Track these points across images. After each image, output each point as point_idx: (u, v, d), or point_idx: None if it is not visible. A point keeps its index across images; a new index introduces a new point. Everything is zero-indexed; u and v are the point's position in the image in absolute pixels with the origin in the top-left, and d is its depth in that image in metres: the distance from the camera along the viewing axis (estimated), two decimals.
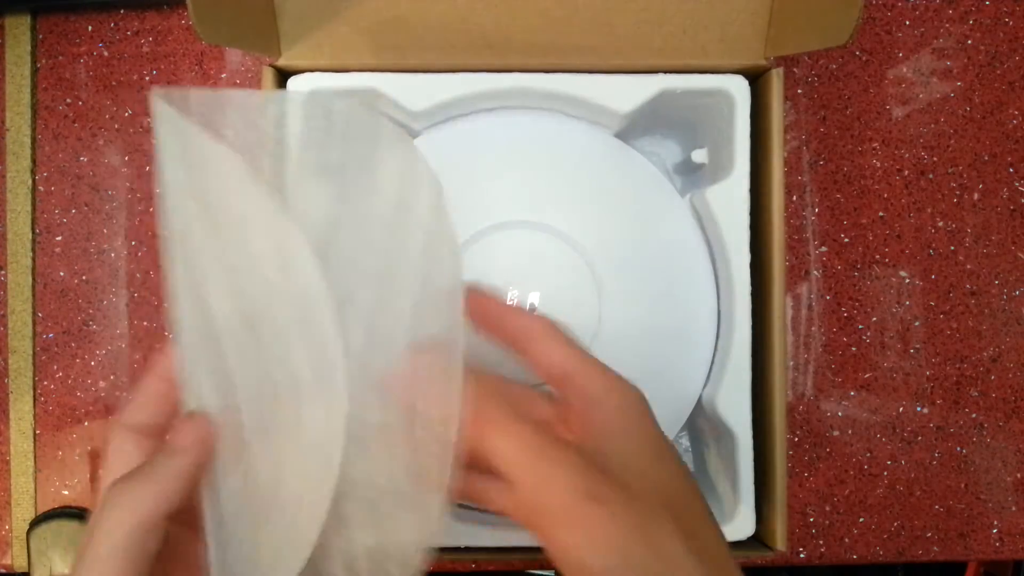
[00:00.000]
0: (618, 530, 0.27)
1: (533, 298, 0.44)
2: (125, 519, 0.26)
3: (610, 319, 0.45)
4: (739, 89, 0.46)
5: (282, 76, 0.45)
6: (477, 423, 0.29)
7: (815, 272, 0.55)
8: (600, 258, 0.45)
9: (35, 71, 0.56)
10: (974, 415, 0.55)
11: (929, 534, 0.55)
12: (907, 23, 0.56)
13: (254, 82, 0.56)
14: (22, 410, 0.55)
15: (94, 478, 0.55)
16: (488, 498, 0.31)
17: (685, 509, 0.29)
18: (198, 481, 0.29)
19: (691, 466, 0.52)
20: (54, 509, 0.55)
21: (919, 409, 0.55)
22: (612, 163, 0.46)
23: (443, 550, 0.45)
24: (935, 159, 0.56)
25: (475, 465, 0.30)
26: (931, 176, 0.56)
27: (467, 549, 0.45)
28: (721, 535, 0.30)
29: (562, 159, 0.47)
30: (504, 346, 0.32)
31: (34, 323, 0.55)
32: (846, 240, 0.55)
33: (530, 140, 0.47)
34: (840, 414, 0.55)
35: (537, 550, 0.44)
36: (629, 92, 0.45)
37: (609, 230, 0.45)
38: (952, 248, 0.55)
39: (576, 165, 0.47)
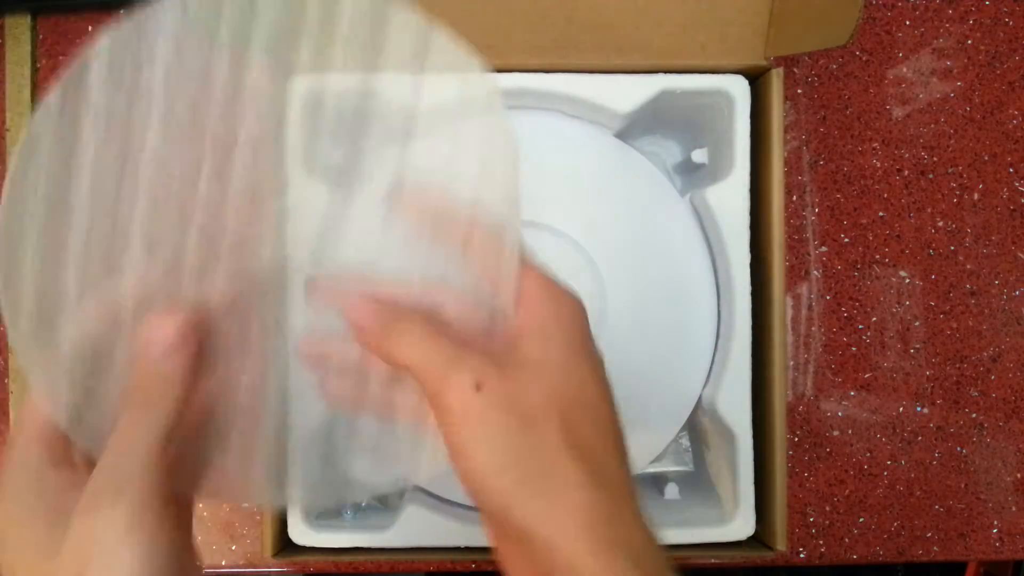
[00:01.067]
0: (500, 418, 0.27)
1: None
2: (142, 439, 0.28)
3: (611, 320, 0.45)
4: (739, 89, 0.46)
5: None
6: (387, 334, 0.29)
7: (815, 272, 0.55)
8: (600, 258, 0.45)
9: (35, 71, 0.56)
10: (974, 415, 0.55)
11: (929, 534, 0.55)
12: (907, 23, 0.56)
13: None
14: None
15: None
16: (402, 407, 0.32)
17: (582, 414, 0.29)
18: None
19: (691, 466, 0.52)
20: None
21: (919, 409, 0.55)
22: (612, 163, 0.46)
23: (444, 550, 0.45)
24: (935, 159, 0.56)
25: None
26: (931, 176, 0.56)
27: (467, 549, 0.45)
28: (623, 455, 0.30)
29: (562, 160, 0.47)
30: (449, 244, 0.31)
31: None
32: (846, 240, 0.55)
33: (530, 141, 0.47)
34: (840, 414, 0.55)
35: None
36: (629, 92, 0.45)
37: (609, 230, 0.45)
38: (952, 248, 0.55)
39: (576, 166, 0.47)
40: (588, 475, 0.27)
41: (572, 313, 0.31)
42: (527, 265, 0.31)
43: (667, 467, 0.52)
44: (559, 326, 0.30)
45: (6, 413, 0.55)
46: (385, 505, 0.49)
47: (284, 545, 0.45)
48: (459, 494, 0.47)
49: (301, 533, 0.45)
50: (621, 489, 0.28)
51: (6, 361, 0.55)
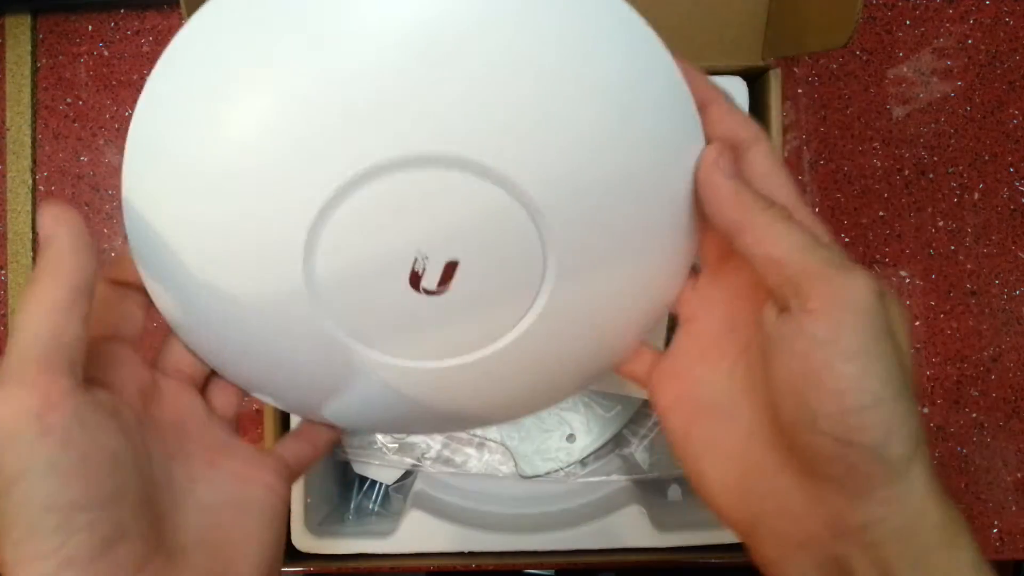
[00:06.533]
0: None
1: (448, 258, 0.27)
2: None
3: (559, 294, 0.29)
4: (737, 90, 0.45)
5: None
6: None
7: None
8: (551, 205, 0.27)
9: (35, 71, 0.56)
10: (974, 415, 0.55)
11: None
12: (907, 23, 0.56)
13: None
14: None
15: None
16: None
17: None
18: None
19: None
20: None
21: (919, 409, 0.55)
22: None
23: (447, 555, 0.45)
24: (935, 159, 0.55)
25: None
26: (931, 176, 0.56)
27: (470, 554, 0.45)
28: None
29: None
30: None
31: None
32: (846, 240, 0.55)
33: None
34: None
35: (534, 553, 0.45)
36: None
37: (565, 159, 0.27)
38: (952, 248, 0.55)
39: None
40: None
41: None
42: None
43: (670, 470, 0.52)
44: None
45: None
46: (388, 511, 0.49)
47: (287, 553, 0.45)
48: (463, 500, 0.47)
49: (304, 540, 0.45)
50: None
51: None
